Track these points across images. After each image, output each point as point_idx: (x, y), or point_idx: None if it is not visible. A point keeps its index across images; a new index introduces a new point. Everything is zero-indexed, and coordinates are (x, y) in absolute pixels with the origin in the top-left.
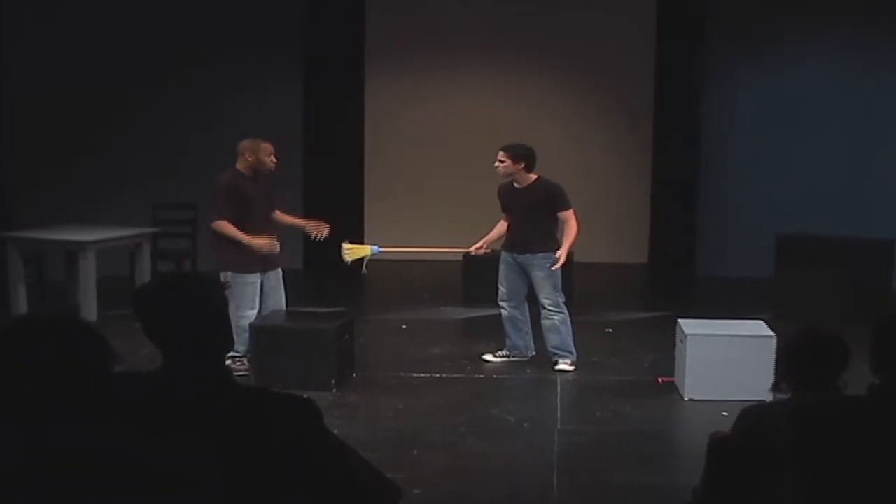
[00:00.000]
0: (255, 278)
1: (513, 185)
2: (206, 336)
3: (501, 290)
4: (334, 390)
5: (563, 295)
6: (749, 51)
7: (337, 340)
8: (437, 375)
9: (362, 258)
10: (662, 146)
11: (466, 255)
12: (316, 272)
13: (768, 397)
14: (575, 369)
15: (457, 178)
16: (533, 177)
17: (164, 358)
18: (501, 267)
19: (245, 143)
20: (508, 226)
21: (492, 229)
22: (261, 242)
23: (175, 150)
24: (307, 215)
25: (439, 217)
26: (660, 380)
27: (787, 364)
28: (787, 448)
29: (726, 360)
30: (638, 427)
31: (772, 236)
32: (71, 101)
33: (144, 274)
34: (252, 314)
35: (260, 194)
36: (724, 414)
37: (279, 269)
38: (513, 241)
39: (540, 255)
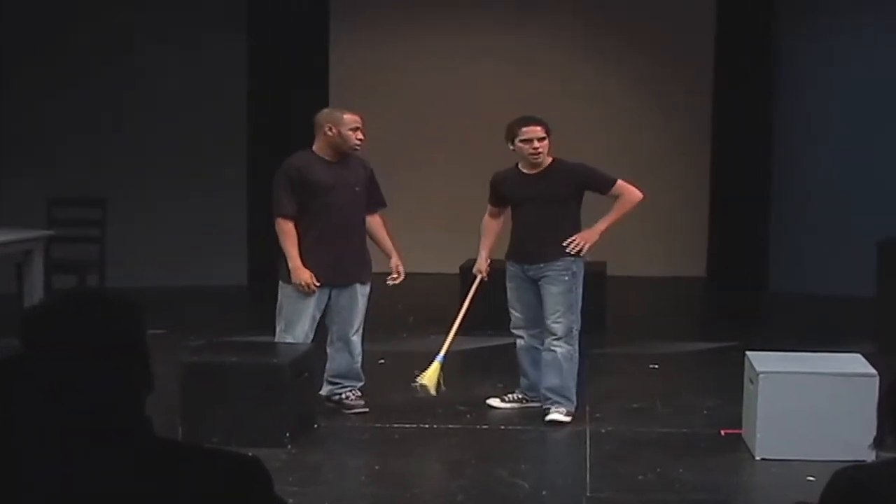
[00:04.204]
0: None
1: (519, 171)
2: (117, 374)
3: (515, 315)
4: (289, 446)
5: (579, 320)
6: (834, 20)
7: (293, 380)
8: (427, 426)
9: (438, 379)
10: (725, 130)
11: (464, 268)
12: (263, 288)
13: (869, 456)
14: (570, 421)
15: (449, 167)
16: (549, 159)
17: None
18: (510, 285)
19: (322, 114)
20: (514, 227)
21: (481, 236)
22: (304, 278)
23: (78, 129)
24: (250, 221)
25: (427, 219)
26: (723, 432)
27: None
28: None
29: (812, 406)
30: (694, 496)
31: (871, 241)
32: None
33: (35, 291)
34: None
35: (337, 183)
36: (810, 479)
37: (356, 286)
38: (523, 247)
39: (556, 262)
